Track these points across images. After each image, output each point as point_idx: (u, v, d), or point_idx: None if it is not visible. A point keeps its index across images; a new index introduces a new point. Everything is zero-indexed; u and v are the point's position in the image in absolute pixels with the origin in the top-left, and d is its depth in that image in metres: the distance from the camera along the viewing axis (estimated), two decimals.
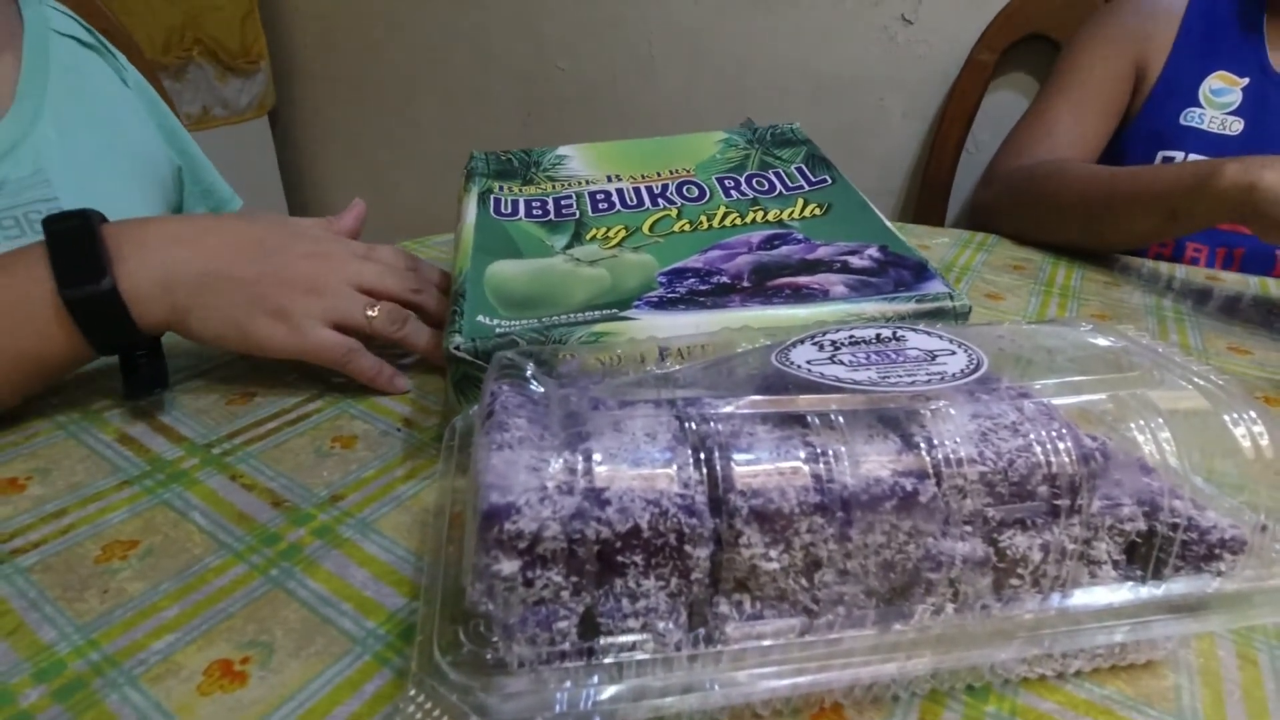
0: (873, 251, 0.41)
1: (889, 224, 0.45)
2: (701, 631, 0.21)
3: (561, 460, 0.21)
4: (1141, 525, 0.24)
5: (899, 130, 1.15)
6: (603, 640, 0.21)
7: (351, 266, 0.41)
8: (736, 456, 0.21)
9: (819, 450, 0.21)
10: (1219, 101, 0.75)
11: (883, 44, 1.11)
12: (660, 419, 0.23)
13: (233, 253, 0.39)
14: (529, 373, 0.24)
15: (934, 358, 0.24)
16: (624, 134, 0.59)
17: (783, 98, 1.22)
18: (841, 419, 0.21)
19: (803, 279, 0.38)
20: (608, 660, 0.20)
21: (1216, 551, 0.24)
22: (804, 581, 0.21)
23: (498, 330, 0.35)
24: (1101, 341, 0.28)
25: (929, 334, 0.26)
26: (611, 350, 0.28)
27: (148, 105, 0.66)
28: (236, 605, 0.28)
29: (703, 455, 0.21)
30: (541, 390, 0.24)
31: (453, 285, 0.40)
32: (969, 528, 0.22)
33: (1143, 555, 0.24)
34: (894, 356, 0.24)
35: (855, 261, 0.40)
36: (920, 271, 0.39)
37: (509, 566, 0.20)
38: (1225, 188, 0.55)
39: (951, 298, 0.37)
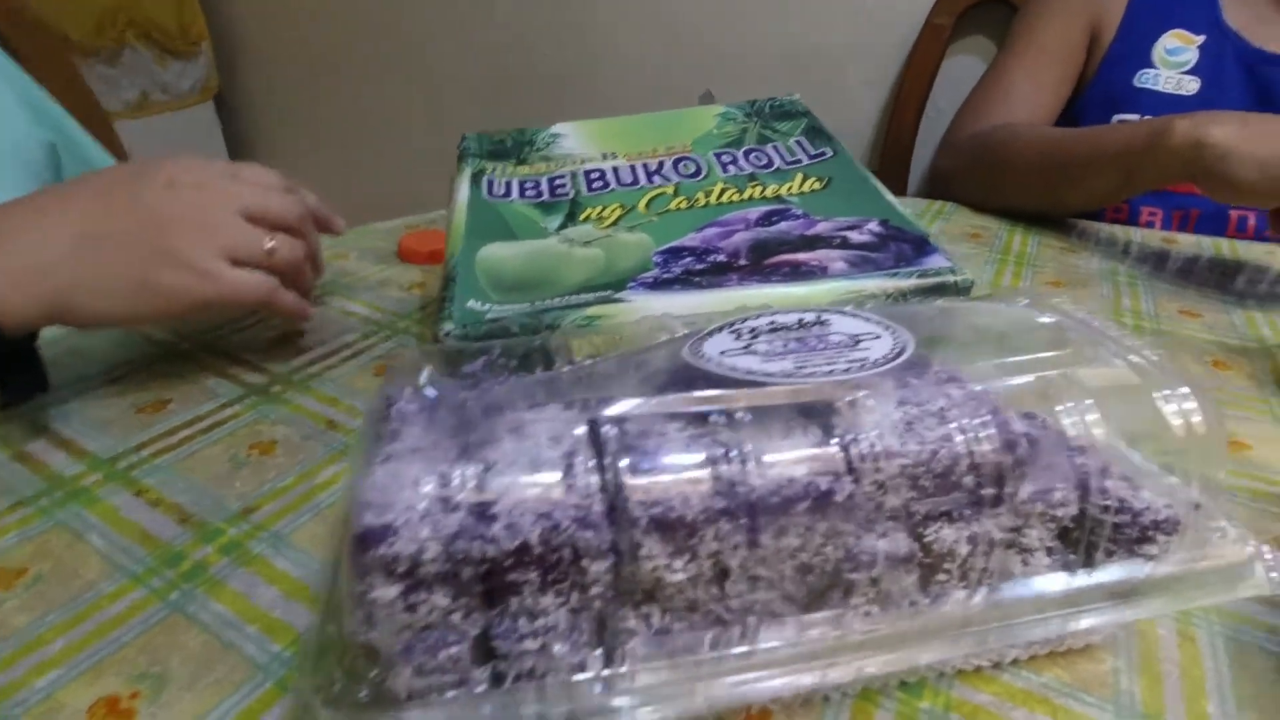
0: (873, 226, 0.40)
1: (890, 197, 0.43)
2: (603, 650, 0.19)
3: (450, 472, 0.19)
4: (1074, 510, 0.23)
5: (859, 98, 1.13)
6: (499, 664, 0.19)
7: (229, 191, 0.37)
8: (637, 462, 0.19)
9: (725, 452, 0.19)
10: (1174, 61, 0.74)
11: (841, 9, 1.09)
12: (565, 421, 0.21)
13: (100, 208, 0.34)
14: (423, 378, 0.23)
15: (857, 343, 0.23)
16: (586, 110, 0.57)
17: (744, 69, 1.19)
18: (749, 416, 0.20)
19: (801, 256, 0.37)
20: (505, 686, 0.19)
21: (1150, 534, 0.23)
22: (715, 591, 0.20)
23: (489, 315, 0.34)
24: (1037, 318, 0.26)
25: (855, 317, 0.25)
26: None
27: (3, 78, 0.59)
28: (130, 634, 0.26)
29: (600, 462, 0.19)
30: (437, 395, 0.22)
31: (443, 270, 0.39)
32: (892, 523, 0.21)
33: (1075, 539, 0.23)
34: (814, 343, 0.23)
35: (855, 236, 0.39)
36: (921, 246, 0.38)
37: (387, 592, 0.18)
38: (1175, 145, 0.54)
39: (954, 272, 0.36)
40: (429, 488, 0.19)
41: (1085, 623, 0.22)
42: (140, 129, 1.46)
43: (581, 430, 0.21)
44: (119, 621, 0.26)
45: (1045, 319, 0.27)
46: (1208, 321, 0.50)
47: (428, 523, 0.18)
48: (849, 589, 0.21)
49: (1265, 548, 0.23)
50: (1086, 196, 0.64)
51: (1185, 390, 0.22)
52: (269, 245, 0.37)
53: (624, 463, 0.19)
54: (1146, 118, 0.72)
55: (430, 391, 0.22)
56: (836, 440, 0.20)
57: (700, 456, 0.19)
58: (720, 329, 0.24)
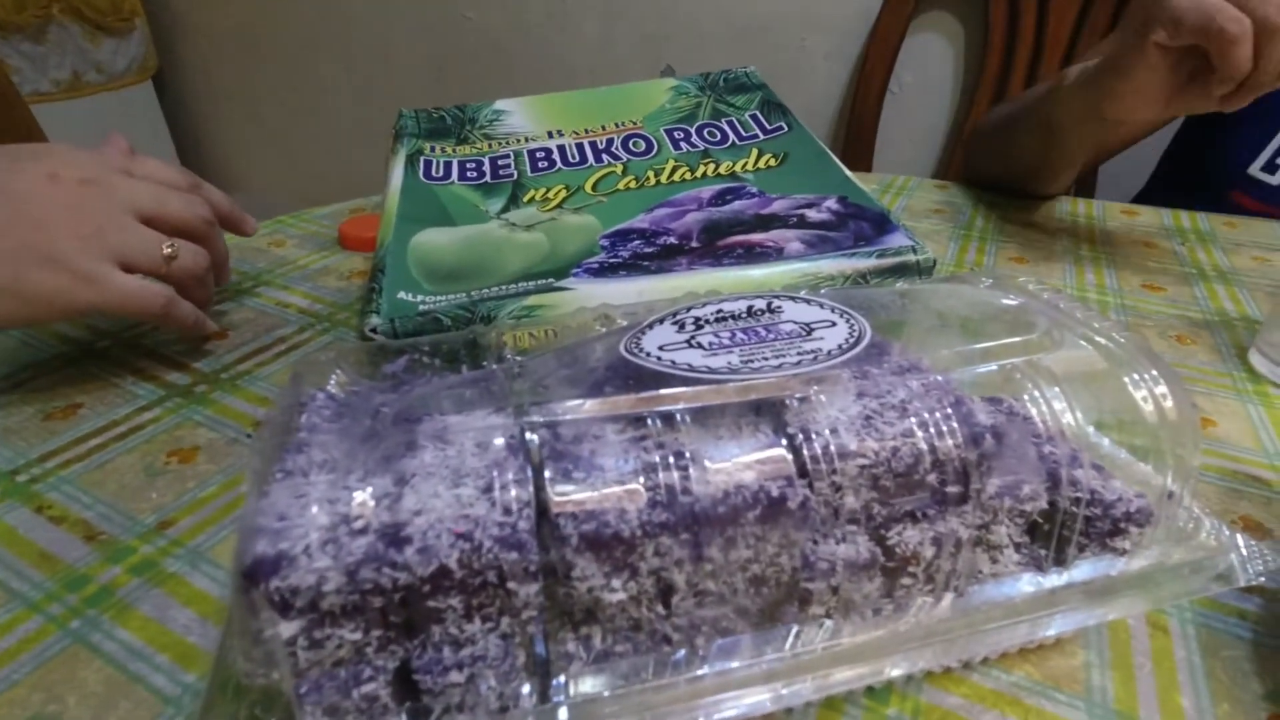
0: (831, 203, 0.38)
1: (848, 173, 0.42)
2: (538, 679, 0.17)
3: (357, 489, 0.17)
4: (1043, 503, 0.21)
5: (821, 73, 1.11)
6: (423, 700, 0.17)
7: (121, 187, 0.33)
8: (565, 472, 0.17)
9: (664, 459, 0.17)
10: None
11: None
12: (492, 426, 0.19)
13: None
14: (333, 380, 0.20)
15: (810, 331, 0.21)
16: (539, 87, 0.55)
17: (703, 44, 1.16)
18: (689, 417, 0.18)
19: (756, 236, 0.36)
20: None
21: (1122, 526, 0.22)
22: (660, 609, 0.18)
23: (421, 307, 0.32)
24: (1001, 300, 0.25)
25: (809, 303, 0.23)
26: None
27: None
28: (22, 671, 0.23)
29: (529, 472, 0.17)
30: (348, 399, 0.20)
31: (373, 259, 0.37)
32: (851, 527, 0.19)
33: (1045, 533, 0.22)
34: (764, 334, 0.21)
35: (813, 215, 0.37)
36: (881, 223, 0.36)
37: (288, 629, 0.16)
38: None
39: (915, 250, 0.34)
40: (331, 508, 0.17)
41: (1058, 625, 0.21)
42: (73, 110, 1.38)
43: (506, 437, 0.18)
44: (10, 657, 0.24)
45: (1009, 301, 0.25)
46: (1171, 294, 0.49)
47: (328, 550, 0.16)
48: (807, 599, 0.19)
49: (1239, 537, 0.22)
50: (1068, 126, 0.56)
51: (1155, 374, 0.21)
52: (167, 251, 0.33)
53: (549, 473, 0.17)
54: None
55: (340, 396, 0.20)
56: (788, 440, 0.18)
57: (636, 464, 0.17)
58: (662, 320, 0.22)
